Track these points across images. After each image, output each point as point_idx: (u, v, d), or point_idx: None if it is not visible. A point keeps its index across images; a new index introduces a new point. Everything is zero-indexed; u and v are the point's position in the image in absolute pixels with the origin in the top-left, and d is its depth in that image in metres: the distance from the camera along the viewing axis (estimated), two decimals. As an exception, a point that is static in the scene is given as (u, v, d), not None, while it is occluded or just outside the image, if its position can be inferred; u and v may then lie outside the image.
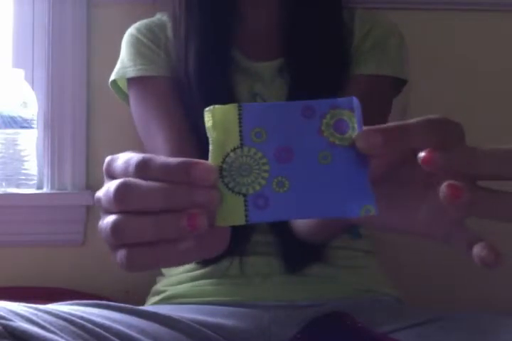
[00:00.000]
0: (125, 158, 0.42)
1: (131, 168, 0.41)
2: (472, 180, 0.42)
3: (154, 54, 0.92)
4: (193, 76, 0.86)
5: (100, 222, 0.43)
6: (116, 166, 0.43)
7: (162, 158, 0.41)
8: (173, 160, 0.40)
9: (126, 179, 0.40)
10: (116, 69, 0.94)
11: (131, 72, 0.91)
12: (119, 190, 0.40)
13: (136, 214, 0.40)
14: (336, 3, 0.92)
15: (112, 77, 0.94)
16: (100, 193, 0.42)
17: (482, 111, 1.22)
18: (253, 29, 0.93)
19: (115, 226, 0.40)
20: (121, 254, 0.42)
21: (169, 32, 0.93)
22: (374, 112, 0.69)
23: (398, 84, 0.94)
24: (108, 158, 0.44)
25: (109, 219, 0.41)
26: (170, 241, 0.40)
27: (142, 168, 0.41)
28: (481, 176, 0.43)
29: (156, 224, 0.40)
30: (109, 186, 0.41)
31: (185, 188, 0.40)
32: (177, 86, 0.89)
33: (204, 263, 0.85)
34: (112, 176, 0.43)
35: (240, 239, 0.83)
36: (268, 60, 0.92)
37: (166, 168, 0.40)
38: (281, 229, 0.83)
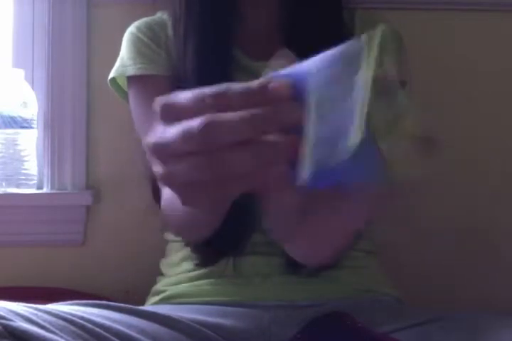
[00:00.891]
0: (192, 95, 0.39)
1: (208, 104, 0.39)
2: None
3: (154, 53, 0.92)
4: (191, 75, 0.86)
5: (161, 170, 0.40)
6: (183, 105, 0.40)
7: (237, 86, 0.39)
8: (251, 85, 0.39)
9: (208, 116, 0.38)
10: (115, 67, 0.94)
11: (131, 71, 0.91)
12: (205, 130, 0.37)
13: (229, 148, 0.38)
14: (336, 3, 0.92)
15: (112, 75, 0.95)
16: (163, 137, 0.40)
17: (482, 111, 1.22)
18: (253, 29, 0.93)
19: (214, 162, 0.38)
20: (211, 189, 0.39)
21: (169, 30, 0.93)
22: None
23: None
24: (163, 100, 0.41)
25: (195, 160, 0.38)
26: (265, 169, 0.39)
27: (221, 99, 0.39)
28: None
29: (255, 154, 0.38)
30: (182, 127, 0.38)
31: (271, 109, 0.38)
32: (177, 85, 0.89)
33: (204, 264, 0.85)
34: (174, 118, 0.40)
35: (239, 239, 0.83)
36: (269, 59, 0.92)
37: (248, 95, 0.38)
38: None
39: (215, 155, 0.38)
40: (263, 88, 0.38)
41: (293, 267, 0.83)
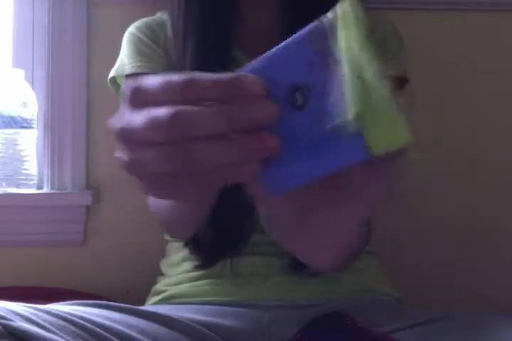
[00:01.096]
0: (162, 81, 0.38)
1: (177, 90, 0.37)
2: None
3: (153, 52, 0.92)
4: None
5: (126, 156, 0.39)
6: (151, 90, 0.38)
7: (208, 75, 0.37)
8: (223, 76, 0.37)
9: (179, 107, 0.37)
10: (115, 67, 0.94)
11: (130, 69, 0.91)
12: (175, 117, 0.36)
13: (197, 141, 0.37)
14: (337, 3, 0.92)
15: (111, 74, 0.95)
16: (130, 123, 0.38)
17: (482, 111, 1.22)
18: (253, 29, 0.93)
19: (182, 153, 0.37)
20: (178, 182, 0.38)
21: (169, 31, 0.93)
22: None
23: (400, 83, 0.94)
24: (132, 83, 0.40)
25: (164, 149, 0.37)
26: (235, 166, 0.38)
27: (190, 90, 0.37)
28: None
29: (225, 149, 0.37)
30: (151, 115, 0.37)
31: (243, 105, 0.37)
32: None
33: (203, 266, 0.85)
34: (142, 103, 0.39)
35: (238, 241, 0.83)
36: None
37: (218, 85, 0.37)
38: None
39: (184, 146, 0.37)
40: (235, 81, 0.37)
41: (294, 267, 0.83)
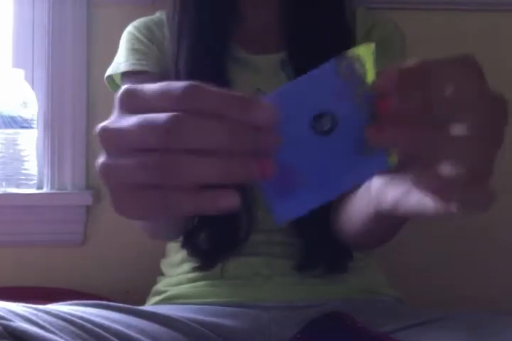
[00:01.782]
0: (159, 86, 0.35)
1: (177, 98, 0.34)
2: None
3: (149, 51, 0.92)
4: (184, 75, 0.85)
5: (104, 160, 0.36)
6: (148, 95, 0.35)
7: (215, 88, 0.34)
8: (233, 93, 0.34)
9: (179, 113, 0.33)
10: (111, 66, 0.95)
11: (125, 67, 0.91)
12: (173, 123, 0.33)
13: (190, 153, 0.34)
14: (337, 3, 0.92)
15: (108, 73, 0.95)
16: (117, 124, 0.35)
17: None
18: (253, 29, 0.93)
19: (169, 163, 0.34)
20: (155, 194, 0.35)
21: (167, 30, 0.93)
22: None
23: None
24: (127, 87, 0.37)
25: (146, 158, 0.34)
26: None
27: (194, 98, 0.34)
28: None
29: (219, 168, 0.34)
30: (146, 117, 0.34)
31: (248, 128, 0.34)
32: None
33: (201, 268, 0.85)
34: (135, 107, 0.36)
35: (236, 241, 0.83)
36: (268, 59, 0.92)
37: (225, 100, 0.34)
38: (306, 230, 0.83)
39: (173, 156, 0.34)
40: (245, 103, 0.34)
41: (294, 268, 0.83)
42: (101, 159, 0.37)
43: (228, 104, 0.34)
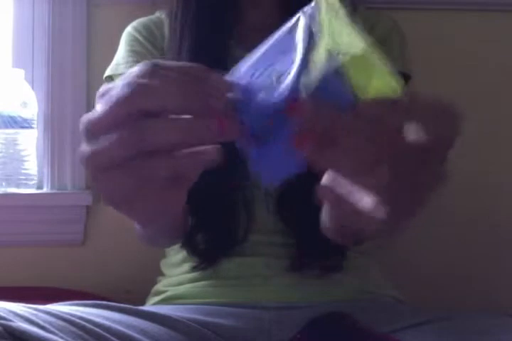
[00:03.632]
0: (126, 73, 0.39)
1: (140, 72, 0.38)
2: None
3: (148, 52, 0.92)
4: None
5: (89, 147, 0.39)
6: (118, 85, 0.38)
7: (173, 62, 0.39)
8: (188, 63, 0.39)
9: (139, 80, 0.37)
10: (110, 66, 0.95)
11: (123, 68, 0.91)
12: (136, 89, 0.37)
13: (152, 117, 0.37)
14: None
15: (106, 74, 0.95)
16: (93, 113, 0.38)
17: (482, 112, 1.22)
18: (253, 29, 0.93)
19: (136, 129, 0.37)
20: (129, 166, 0.38)
21: (166, 30, 0.93)
22: None
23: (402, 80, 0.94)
24: (103, 87, 0.40)
25: (119, 133, 0.37)
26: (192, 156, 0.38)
27: (153, 71, 0.38)
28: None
29: (182, 128, 0.37)
30: (112, 97, 0.37)
31: (204, 88, 0.38)
32: None
33: (200, 268, 0.85)
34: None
35: (234, 240, 0.83)
36: None
37: (182, 67, 0.38)
38: (298, 230, 0.83)
39: (139, 122, 0.37)
40: (200, 71, 0.39)
41: (295, 268, 0.83)
42: (81, 148, 0.40)
43: (187, 71, 0.38)
